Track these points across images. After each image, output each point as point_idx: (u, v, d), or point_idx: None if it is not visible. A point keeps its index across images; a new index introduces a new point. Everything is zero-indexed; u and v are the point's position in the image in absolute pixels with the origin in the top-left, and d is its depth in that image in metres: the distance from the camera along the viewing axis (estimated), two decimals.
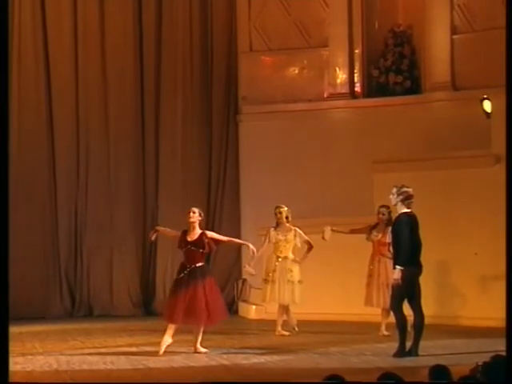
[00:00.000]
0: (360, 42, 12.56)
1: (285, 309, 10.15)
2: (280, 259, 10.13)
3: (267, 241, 10.26)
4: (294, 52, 12.89)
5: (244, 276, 9.93)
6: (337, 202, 11.93)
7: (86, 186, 13.02)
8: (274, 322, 10.21)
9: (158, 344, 9.31)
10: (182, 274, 8.67)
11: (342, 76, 12.58)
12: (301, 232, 10.16)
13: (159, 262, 13.03)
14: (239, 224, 12.92)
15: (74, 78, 13.04)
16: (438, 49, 11.99)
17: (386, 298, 9.43)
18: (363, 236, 10.10)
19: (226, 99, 13.14)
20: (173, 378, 7.54)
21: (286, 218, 10.19)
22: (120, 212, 12.97)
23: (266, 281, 10.13)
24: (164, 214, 13.00)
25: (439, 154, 11.26)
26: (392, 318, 8.90)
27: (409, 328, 8.50)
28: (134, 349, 9.10)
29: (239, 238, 12.67)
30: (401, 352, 8.24)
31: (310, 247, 10.10)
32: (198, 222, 8.83)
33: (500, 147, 9.64)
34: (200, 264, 8.73)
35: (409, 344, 8.30)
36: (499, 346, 6.59)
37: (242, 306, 12.60)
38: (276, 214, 10.20)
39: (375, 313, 10.07)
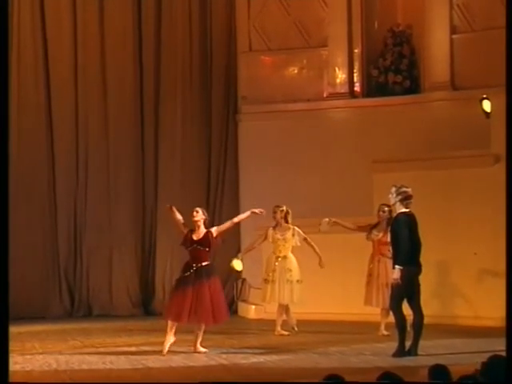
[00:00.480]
0: (359, 41, 12.55)
1: (284, 308, 10.14)
2: (279, 259, 10.12)
3: (263, 238, 10.26)
4: (293, 52, 12.88)
5: (232, 264, 9.86)
6: (336, 202, 11.93)
7: (86, 186, 13.02)
8: (273, 322, 10.21)
9: (158, 344, 9.31)
10: (188, 273, 8.67)
11: (341, 76, 12.57)
12: (299, 230, 10.15)
13: (158, 261, 13.03)
14: (238, 223, 12.90)
15: (73, 77, 13.02)
16: (438, 48, 11.99)
17: (385, 297, 9.42)
18: (363, 235, 10.09)
19: (226, 99, 13.14)
20: (172, 377, 7.53)
21: (286, 217, 10.17)
22: (119, 212, 12.97)
23: (266, 281, 10.13)
24: (163, 214, 12.97)
25: (439, 154, 11.26)
26: (391, 318, 8.90)
27: (408, 328, 8.49)
28: (133, 348, 9.10)
29: (238, 237, 12.74)
30: (400, 352, 8.24)
31: (316, 252, 10.07)
32: (202, 220, 8.85)
33: (499, 147, 9.65)
34: (206, 263, 8.74)
35: (408, 344, 8.30)
36: (499, 346, 6.59)
37: (241, 306, 12.60)
38: (276, 212, 10.16)
39: (374, 312, 10.06)
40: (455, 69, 11.91)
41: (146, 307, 12.97)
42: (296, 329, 10.04)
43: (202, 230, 8.83)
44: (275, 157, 12.53)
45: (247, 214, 9.18)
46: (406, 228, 8.31)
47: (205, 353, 8.65)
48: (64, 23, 12.97)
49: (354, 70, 12.61)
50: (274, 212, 10.18)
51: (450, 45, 11.94)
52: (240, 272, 10.39)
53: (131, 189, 13.06)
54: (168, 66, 13.10)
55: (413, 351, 8.24)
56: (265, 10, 13.00)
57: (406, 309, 8.48)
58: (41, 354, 8.77)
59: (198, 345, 8.74)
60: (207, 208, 13.04)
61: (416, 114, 11.94)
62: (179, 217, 9.01)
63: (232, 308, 12.23)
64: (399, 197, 8.40)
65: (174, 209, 9.02)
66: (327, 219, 10.03)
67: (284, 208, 10.20)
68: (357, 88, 12.61)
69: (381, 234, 9.80)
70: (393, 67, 12.38)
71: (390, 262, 8.89)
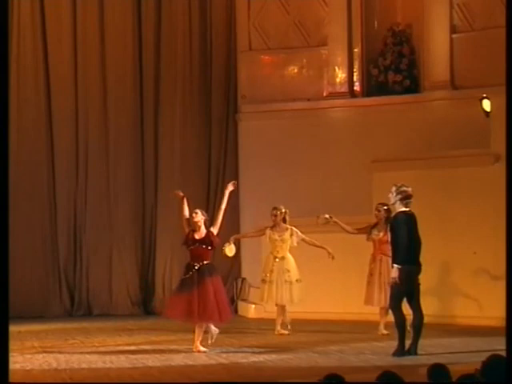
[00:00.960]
0: (359, 41, 12.55)
1: (282, 308, 10.14)
2: (277, 259, 10.12)
3: (259, 233, 10.28)
4: (293, 51, 12.88)
5: (224, 250, 9.87)
6: (336, 201, 11.93)
7: (86, 186, 13.02)
8: (273, 321, 10.22)
9: (158, 343, 9.36)
10: (191, 273, 8.70)
11: (341, 75, 12.57)
12: (297, 231, 10.15)
13: (158, 261, 13.03)
14: (238, 223, 12.92)
15: (73, 77, 13.02)
16: (438, 48, 11.99)
17: (386, 296, 9.41)
18: (360, 237, 10.09)
19: (226, 98, 13.13)
20: (172, 376, 7.54)
21: (284, 219, 10.15)
22: (119, 211, 12.97)
23: (263, 281, 10.14)
24: (163, 214, 12.99)
25: (438, 153, 11.26)
26: (391, 317, 8.91)
27: (408, 327, 8.49)
28: (133, 348, 9.10)
29: (238, 237, 12.73)
30: (400, 351, 8.24)
31: (318, 246, 10.07)
32: (202, 221, 8.89)
33: (499, 146, 9.65)
34: (207, 262, 8.77)
35: (408, 343, 8.30)
36: (498, 345, 6.59)
37: (241, 305, 12.60)
38: (271, 216, 10.15)
39: (374, 312, 10.06)
40: (455, 68, 11.91)
41: (145, 306, 12.98)
42: (289, 327, 10.03)
43: (203, 230, 8.87)
44: (275, 156, 12.53)
45: (226, 194, 9.18)
46: (405, 227, 8.31)
47: (204, 352, 8.66)
48: (64, 23, 12.96)
49: (354, 70, 12.61)
50: (274, 215, 10.16)
51: (449, 44, 11.93)
52: (232, 257, 10.38)
53: (131, 188, 13.06)
54: (168, 66, 13.10)
55: (412, 350, 8.24)
56: (265, 10, 12.99)
57: (406, 308, 8.48)
58: (40, 354, 8.77)
59: (198, 344, 8.74)
60: (207, 207, 13.06)
61: (416, 114, 11.94)
62: (186, 212, 9.03)
63: (232, 307, 12.23)
64: (399, 196, 8.40)
65: (185, 200, 9.04)
66: (328, 216, 10.03)
67: (283, 209, 10.19)
68: (357, 87, 12.61)
69: (381, 234, 9.80)
70: (393, 66, 12.38)
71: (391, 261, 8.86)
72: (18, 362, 8.11)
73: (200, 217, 8.91)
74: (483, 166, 10.73)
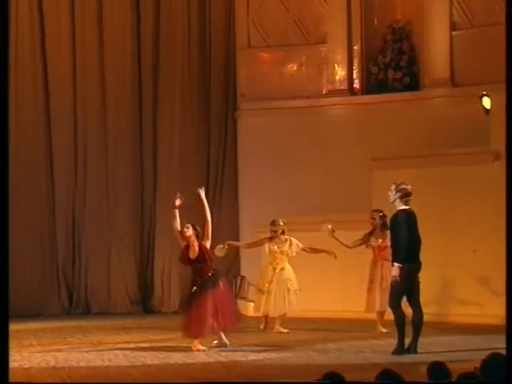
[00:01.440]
0: (359, 38, 12.54)
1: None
2: (277, 271, 10.11)
3: (258, 244, 10.29)
4: (292, 48, 12.87)
5: (215, 251, 9.88)
6: (336, 199, 11.93)
7: (84, 184, 13.01)
8: (272, 320, 10.21)
9: (156, 341, 9.35)
10: (195, 288, 8.78)
11: (340, 72, 12.57)
12: (296, 242, 10.15)
13: (157, 259, 13.02)
14: (237, 221, 12.92)
15: (71, 75, 13.00)
16: (437, 45, 11.98)
17: (386, 301, 9.39)
18: (360, 235, 10.08)
19: (225, 96, 13.12)
20: (171, 375, 7.54)
21: (282, 232, 10.15)
22: (118, 210, 12.96)
23: (260, 291, 10.11)
24: (162, 212, 12.98)
25: (438, 151, 11.26)
26: (389, 316, 8.91)
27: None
28: (131, 346, 9.10)
29: (237, 235, 12.74)
30: (400, 349, 8.24)
31: (320, 250, 10.06)
32: (194, 235, 8.88)
33: (499, 144, 9.64)
34: (210, 274, 8.79)
35: (408, 341, 8.29)
36: (498, 344, 6.59)
37: (240, 304, 12.57)
38: (271, 232, 10.11)
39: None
40: (455, 65, 11.90)
41: (144, 305, 12.97)
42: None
43: (196, 245, 8.86)
44: (274, 154, 12.53)
45: (205, 203, 9.09)
46: (405, 225, 8.31)
47: (203, 351, 8.66)
48: (62, 22, 12.94)
49: (354, 67, 12.61)
50: (275, 230, 10.12)
51: (449, 41, 11.92)
52: (231, 256, 10.40)
53: (130, 187, 13.05)
54: (167, 63, 13.08)
55: (412, 349, 8.24)
56: (264, 7, 12.98)
57: (406, 307, 8.48)
58: (39, 352, 8.78)
59: (197, 342, 8.74)
60: None
61: (416, 111, 11.94)
62: (177, 225, 9.04)
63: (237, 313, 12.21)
64: (399, 194, 8.40)
65: (177, 212, 9.01)
66: (330, 227, 9.99)
67: (281, 223, 10.17)
68: (356, 85, 12.61)
69: (380, 240, 9.76)
70: (392, 64, 12.37)
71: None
72: (16, 360, 8.11)
73: (191, 231, 8.89)
74: (483, 163, 10.72)
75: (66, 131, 13.00)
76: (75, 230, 12.96)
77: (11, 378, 5.41)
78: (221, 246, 9.73)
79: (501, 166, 8.84)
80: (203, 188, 9.30)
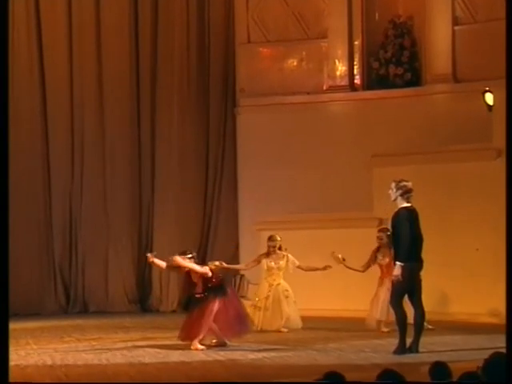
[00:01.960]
0: (360, 33, 12.54)
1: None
2: (273, 286, 10.12)
3: (255, 263, 10.31)
4: (292, 44, 12.86)
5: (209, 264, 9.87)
6: (335, 196, 11.93)
7: (81, 182, 13.00)
8: None
9: (154, 340, 9.34)
10: (197, 295, 8.81)
11: (341, 68, 12.56)
12: (293, 259, 10.17)
13: (155, 257, 12.99)
14: (237, 219, 12.92)
15: (68, 71, 12.98)
16: (439, 40, 11.97)
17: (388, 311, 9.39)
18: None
19: (224, 92, 13.12)
20: (169, 374, 7.54)
21: (279, 247, 10.17)
22: (115, 208, 12.95)
23: (256, 307, 10.09)
24: (160, 209, 12.99)
25: (440, 148, 11.26)
26: (390, 315, 8.91)
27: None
28: (129, 345, 9.09)
29: (237, 233, 12.73)
30: (401, 349, 8.23)
31: (315, 269, 10.06)
32: (187, 261, 8.81)
33: (502, 141, 9.62)
34: (214, 281, 8.82)
35: (409, 341, 8.29)
36: (500, 343, 6.59)
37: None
38: (269, 247, 10.12)
39: None
40: (457, 61, 11.90)
41: (142, 304, 12.98)
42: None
43: (198, 279, 8.78)
44: (274, 150, 12.52)
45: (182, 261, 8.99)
46: (407, 224, 8.30)
47: (202, 350, 8.66)
48: (59, 20, 12.90)
49: (355, 63, 12.60)
50: (273, 246, 10.13)
51: (452, 36, 11.92)
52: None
53: (128, 184, 13.04)
54: (165, 59, 13.07)
55: (414, 348, 8.24)
56: (263, 2, 12.97)
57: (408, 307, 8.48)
58: (36, 351, 8.77)
59: (196, 342, 8.73)
60: (205, 203, 13.07)
61: (417, 107, 11.93)
62: (163, 265, 9.03)
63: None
64: (399, 191, 8.39)
65: (155, 260, 9.02)
66: (340, 256, 9.93)
67: (278, 238, 10.18)
68: (357, 81, 12.60)
69: (387, 259, 9.69)
70: (394, 59, 12.37)
71: None
72: (12, 359, 8.07)
73: (180, 261, 8.79)
74: (485, 160, 10.72)
75: (63, 128, 13.00)
76: (72, 228, 12.95)
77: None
78: (217, 263, 9.69)
79: (503, 163, 8.83)
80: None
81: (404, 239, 8.28)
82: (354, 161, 12.00)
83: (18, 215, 12.41)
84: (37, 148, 12.90)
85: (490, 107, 10.89)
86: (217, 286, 8.79)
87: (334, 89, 12.56)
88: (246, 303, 12.28)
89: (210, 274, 8.76)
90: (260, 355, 8.32)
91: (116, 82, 13.01)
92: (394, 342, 8.38)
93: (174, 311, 12.71)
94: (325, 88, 12.71)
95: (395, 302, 8.42)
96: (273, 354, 8.39)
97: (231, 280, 12.80)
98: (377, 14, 12.70)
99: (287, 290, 10.16)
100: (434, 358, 7.42)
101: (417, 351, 8.22)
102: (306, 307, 10.50)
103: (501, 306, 7.10)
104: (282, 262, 10.13)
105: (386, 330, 9.65)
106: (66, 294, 12.91)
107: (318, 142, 12.37)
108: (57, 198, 12.94)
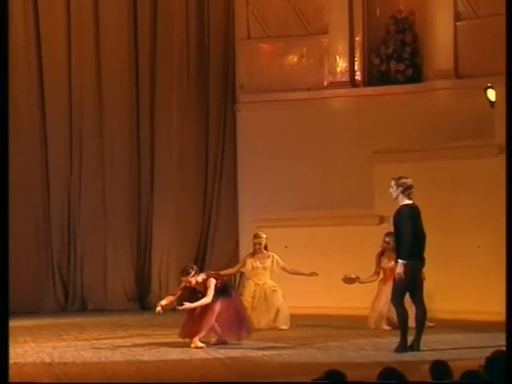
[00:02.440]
0: (361, 29, 12.53)
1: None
2: (259, 286, 10.10)
3: (241, 265, 10.32)
4: (292, 39, 12.85)
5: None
6: (336, 193, 11.93)
7: (80, 179, 12.99)
8: None
9: (153, 338, 9.34)
10: (200, 295, 8.80)
11: (342, 64, 12.55)
12: (278, 258, 10.15)
13: (154, 255, 13.02)
14: (237, 216, 12.92)
15: (67, 66, 12.97)
16: (441, 36, 11.97)
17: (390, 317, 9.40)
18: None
19: (223, 88, 13.11)
20: (168, 372, 7.54)
21: (265, 246, 10.15)
22: (114, 204, 12.95)
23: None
24: (159, 206, 12.99)
25: (441, 145, 11.26)
26: (391, 313, 8.92)
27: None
28: (128, 343, 9.10)
29: (237, 230, 12.73)
30: (402, 347, 8.24)
31: (299, 273, 10.05)
32: (194, 281, 8.77)
33: (504, 137, 9.63)
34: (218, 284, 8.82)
35: (410, 339, 8.30)
36: (502, 341, 6.59)
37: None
38: (255, 244, 10.11)
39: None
40: (459, 57, 11.89)
41: (141, 301, 12.98)
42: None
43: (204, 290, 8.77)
44: (274, 147, 12.52)
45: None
46: (408, 221, 8.30)
47: (201, 348, 8.66)
48: (57, 13, 12.89)
49: (355, 58, 12.59)
50: (259, 243, 10.11)
51: (453, 32, 11.91)
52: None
53: (126, 180, 13.04)
54: (164, 54, 13.06)
55: (415, 346, 8.25)
56: None
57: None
58: (34, 349, 8.78)
59: (197, 339, 8.74)
60: (204, 200, 13.08)
61: (419, 104, 11.93)
62: (173, 299, 9.01)
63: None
64: (400, 188, 8.39)
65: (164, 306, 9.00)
66: (354, 276, 9.92)
67: (264, 236, 10.17)
68: (358, 77, 12.60)
69: (391, 262, 9.67)
70: (395, 55, 12.36)
71: None
72: (11, 358, 8.06)
73: (193, 280, 8.75)
74: (487, 157, 10.72)
75: (61, 123, 12.98)
76: (71, 225, 12.95)
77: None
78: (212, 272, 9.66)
79: (505, 160, 8.83)
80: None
81: (406, 237, 8.28)
82: (354, 158, 12.00)
83: (16, 212, 12.39)
84: (35, 146, 12.88)
85: (492, 103, 10.89)
86: (221, 288, 8.79)
87: (334, 85, 12.56)
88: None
89: (214, 284, 8.71)
90: (260, 353, 8.32)
91: (115, 80, 13.00)
92: (395, 340, 8.39)
93: (173, 309, 12.70)
94: (325, 84, 12.70)
95: (396, 300, 8.43)
96: (273, 352, 8.40)
97: (230, 277, 12.82)
98: (378, 10, 12.69)
99: (274, 286, 10.13)
100: (436, 356, 7.43)
101: (418, 349, 8.23)
102: (305, 305, 10.51)
103: (502, 303, 7.10)
104: (268, 262, 10.12)
105: (387, 327, 9.66)
106: (64, 291, 12.92)
107: (319, 139, 12.37)
108: (55, 196, 12.94)
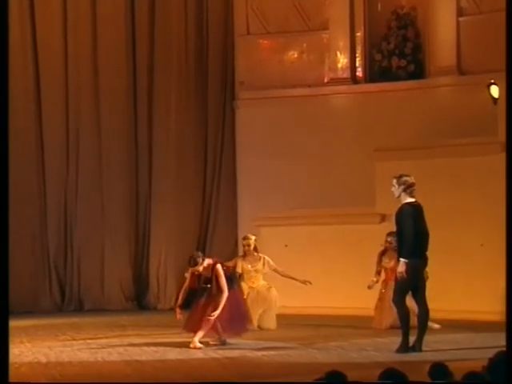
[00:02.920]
0: (362, 24, 12.52)
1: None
2: (253, 288, 10.09)
3: (231, 265, 10.29)
4: (292, 35, 12.85)
5: None
6: (337, 191, 11.92)
7: (77, 176, 12.98)
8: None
9: (151, 338, 9.33)
10: (203, 286, 8.82)
11: (342, 60, 12.54)
12: (269, 260, 10.14)
13: (153, 254, 13.01)
14: (236, 215, 12.92)
15: (63, 61, 12.96)
16: (444, 31, 11.96)
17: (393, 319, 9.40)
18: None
19: (222, 85, 13.10)
20: (166, 373, 7.53)
21: (255, 248, 10.15)
22: (112, 202, 12.94)
23: None
24: (157, 205, 12.98)
25: (443, 142, 11.25)
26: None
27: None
28: (126, 344, 9.09)
29: (236, 228, 12.72)
30: (404, 347, 8.23)
31: (291, 277, 10.05)
32: (202, 268, 8.77)
33: None
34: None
35: (412, 339, 8.29)
36: (505, 341, 6.59)
37: None
38: (244, 246, 10.13)
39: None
40: (462, 53, 11.88)
41: (139, 301, 12.97)
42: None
43: (208, 273, 8.77)
44: (274, 145, 12.51)
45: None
46: (410, 219, 8.29)
47: (200, 348, 8.65)
48: (54, 14, 12.88)
49: (357, 55, 12.58)
50: (248, 244, 10.11)
51: (456, 27, 11.90)
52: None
53: (124, 177, 13.03)
54: (162, 50, 13.04)
55: (417, 347, 8.23)
56: None
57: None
58: (30, 350, 8.77)
59: (196, 340, 8.72)
60: (203, 199, 13.07)
61: (421, 100, 11.92)
62: (184, 293, 8.97)
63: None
64: (402, 187, 8.38)
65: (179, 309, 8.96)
66: (375, 279, 9.90)
67: (253, 237, 10.18)
68: (359, 73, 12.59)
69: (392, 262, 9.68)
70: (397, 51, 12.36)
71: None
72: None
73: (201, 267, 8.75)
74: (490, 154, 10.71)
75: (58, 119, 12.97)
76: (67, 224, 12.94)
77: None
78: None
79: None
80: None
81: (408, 235, 8.27)
82: (355, 155, 12.00)
83: (13, 212, 12.29)
84: (31, 145, 12.86)
85: (495, 100, 10.88)
86: (227, 276, 8.79)
87: (335, 81, 12.55)
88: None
89: (223, 272, 8.72)
90: (259, 354, 8.32)
91: (112, 76, 12.98)
92: (396, 340, 8.38)
93: (171, 309, 12.71)
94: (326, 81, 12.70)
95: (398, 299, 8.42)
96: (272, 352, 8.39)
97: None
98: (379, 5, 12.68)
99: (269, 284, 10.12)
100: (438, 356, 7.44)
101: (420, 350, 8.21)
102: (305, 305, 10.50)
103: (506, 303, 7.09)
104: (259, 265, 10.12)
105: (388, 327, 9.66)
106: (61, 291, 12.91)
107: (319, 137, 12.36)
108: (51, 193, 12.93)
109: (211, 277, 8.75)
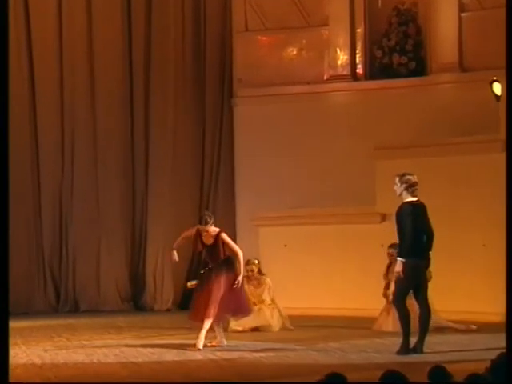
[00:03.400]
0: (362, 20, 12.53)
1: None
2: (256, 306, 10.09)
3: None
4: (292, 31, 12.85)
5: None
6: (337, 190, 11.93)
7: (72, 175, 12.97)
8: None
9: (148, 340, 9.33)
10: (203, 271, 8.93)
11: (342, 57, 12.55)
12: (271, 286, 10.11)
13: (149, 254, 13.01)
14: (234, 213, 12.92)
15: (58, 60, 12.95)
16: (445, 28, 11.97)
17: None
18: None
19: (220, 82, 13.11)
20: (163, 375, 7.54)
21: (259, 270, 10.18)
22: (107, 201, 12.93)
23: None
24: (154, 204, 12.98)
25: (445, 140, 11.26)
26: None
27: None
28: (122, 345, 9.09)
29: (234, 228, 12.72)
30: (405, 349, 8.23)
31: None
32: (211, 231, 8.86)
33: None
34: (223, 258, 8.86)
35: (413, 341, 8.29)
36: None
37: None
38: (247, 272, 10.08)
39: (376, 308, 10.07)
40: (464, 49, 11.89)
41: (135, 302, 12.97)
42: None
43: (211, 231, 8.87)
44: (272, 143, 12.52)
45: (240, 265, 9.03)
46: (409, 218, 8.29)
47: (199, 349, 8.65)
48: (49, 9, 12.86)
49: (357, 51, 12.59)
50: (251, 270, 10.11)
51: (458, 24, 11.91)
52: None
53: (120, 177, 13.02)
54: (159, 47, 13.04)
55: (418, 348, 8.23)
56: None
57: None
58: (25, 352, 8.77)
59: (201, 340, 8.69)
60: (201, 197, 13.07)
61: (422, 98, 11.93)
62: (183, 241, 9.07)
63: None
64: (404, 185, 8.38)
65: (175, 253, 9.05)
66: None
67: (256, 262, 10.18)
68: (359, 70, 12.60)
69: None
70: (397, 48, 12.36)
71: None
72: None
73: (206, 229, 8.83)
74: (492, 153, 10.71)
75: (53, 118, 12.96)
76: (62, 224, 12.93)
77: None
78: (194, 282, 9.62)
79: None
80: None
81: (406, 235, 8.27)
82: (355, 154, 12.00)
83: None
84: (26, 145, 12.85)
85: (497, 97, 10.89)
86: (224, 260, 8.81)
87: (335, 78, 12.56)
88: None
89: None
90: (258, 355, 8.32)
91: (108, 76, 12.96)
92: (397, 341, 8.39)
93: (168, 310, 12.71)
94: (325, 78, 12.70)
95: (398, 300, 8.42)
96: (271, 354, 8.40)
97: None
98: (380, 1, 12.67)
99: (273, 305, 10.15)
100: (439, 358, 7.44)
101: (421, 352, 8.21)
102: (305, 306, 10.50)
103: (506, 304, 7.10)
104: (264, 294, 10.12)
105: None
106: (56, 292, 12.91)
107: (319, 134, 12.37)
108: (46, 193, 12.92)
109: (213, 244, 8.79)
